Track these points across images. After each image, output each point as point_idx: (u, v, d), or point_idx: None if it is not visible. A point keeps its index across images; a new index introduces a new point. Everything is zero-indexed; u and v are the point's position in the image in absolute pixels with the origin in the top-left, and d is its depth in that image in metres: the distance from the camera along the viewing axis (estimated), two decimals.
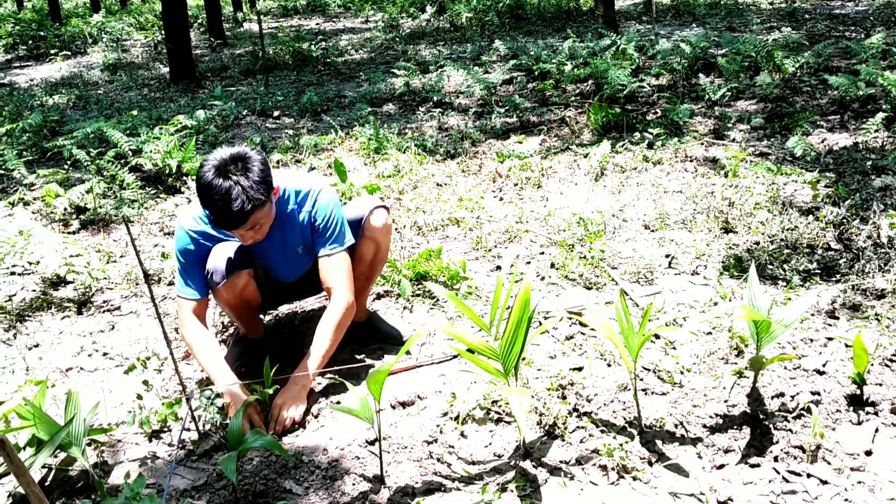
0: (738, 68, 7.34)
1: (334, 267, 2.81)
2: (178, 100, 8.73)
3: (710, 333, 3.07)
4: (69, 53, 13.39)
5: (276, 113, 7.76)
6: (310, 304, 3.62)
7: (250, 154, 2.52)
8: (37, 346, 3.40)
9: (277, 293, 3.13)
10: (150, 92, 9.38)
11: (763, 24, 10.43)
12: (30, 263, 4.12)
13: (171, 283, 3.90)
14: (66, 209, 4.82)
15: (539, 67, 8.27)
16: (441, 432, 2.58)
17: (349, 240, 2.86)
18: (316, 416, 2.71)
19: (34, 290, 3.93)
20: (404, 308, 3.50)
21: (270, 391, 2.63)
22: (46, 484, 2.42)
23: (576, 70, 7.93)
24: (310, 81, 9.44)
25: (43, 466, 2.40)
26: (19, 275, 4.10)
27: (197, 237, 2.76)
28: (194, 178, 2.53)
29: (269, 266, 2.94)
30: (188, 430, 2.66)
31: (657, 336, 3.06)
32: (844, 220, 3.93)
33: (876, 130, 5.26)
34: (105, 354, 3.29)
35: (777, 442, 2.41)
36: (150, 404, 2.79)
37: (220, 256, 2.76)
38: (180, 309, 2.81)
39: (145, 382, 2.83)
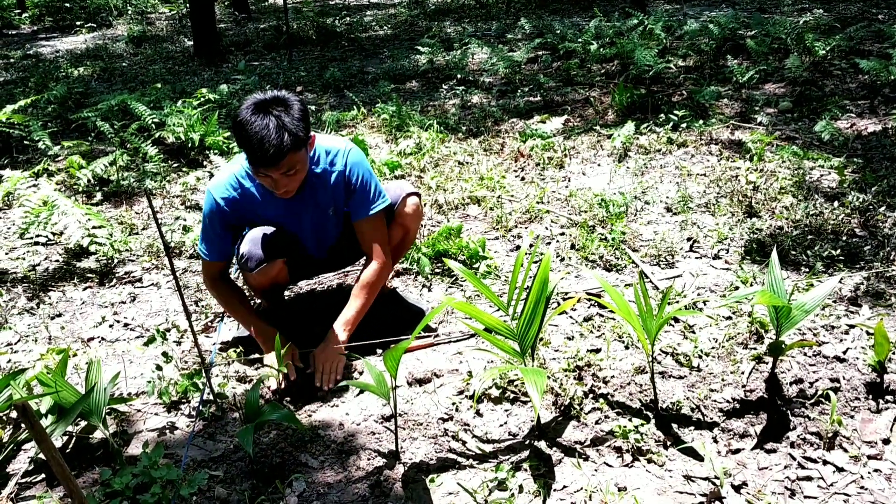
0: (767, 50, 7.22)
1: (373, 229, 2.88)
2: (201, 73, 8.75)
3: (729, 318, 3.05)
4: (94, 25, 13.45)
5: (298, 88, 7.75)
6: (328, 278, 3.63)
7: (289, 96, 2.53)
8: (59, 315, 3.44)
9: (303, 269, 3.15)
10: (174, 65, 9.40)
11: (794, 6, 10.25)
12: (53, 234, 4.17)
13: (191, 256, 3.93)
14: (89, 181, 4.86)
15: (564, 46, 8.19)
16: (457, 410, 2.59)
17: (386, 199, 2.89)
18: (339, 394, 2.73)
19: (57, 261, 3.97)
20: (423, 286, 3.50)
21: (285, 370, 2.66)
22: (67, 451, 2.46)
23: (601, 49, 7.85)
24: (333, 57, 9.41)
25: (64, 434, 2.44)
26: (43, 245, 4.14)
27: (224, 205, 2.74)
28: (232, 122, 2.48)
29: (300, 236, 2.94)
30: (206, 402, 2.69)
31: (676, 319, 3.04)
32: (870, 207, 3.87)
33: None
34: (126, 325, 3.33)
35: (794, 428, 2.39)
36: (170, 375, 2.83)
37: (253, 243, 2.78)
38: (202, 267, 2.91)
39: (165, 354, 2.86)
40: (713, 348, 2.83)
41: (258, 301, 3.30)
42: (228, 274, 2.96)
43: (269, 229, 2.83)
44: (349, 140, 2.93)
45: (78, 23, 13.40)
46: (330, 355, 2.78)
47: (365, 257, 3.00)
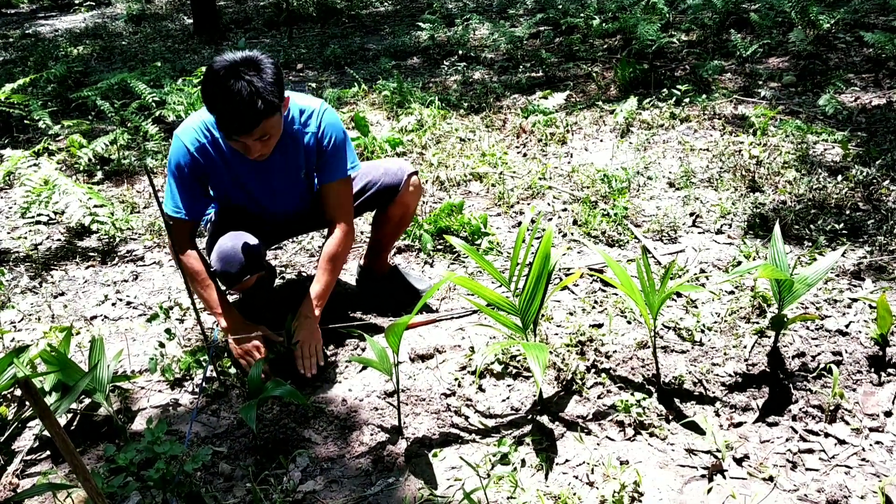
0: (771, 24, 7.15)
1: (339, 194, 2.78)
2: (201, 51, 8.69)
3: (732, 292, 3.04)
4: (93, 4, 13.36)
5: (299, 65, 7.71)
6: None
7: (262, 57, 2.37)
8: (62, 294, 3.45)
9: (271, 235, 3.01)
10: (174, 43, 9.34)
11: None
12: (55, 213, 4.17)
13: None
14: (90, 160, 4.84)
15: (566, 21, 8.13)
16: (459, 386, 2.59)
17: (358, 165, 2.82)
18: (341, 371, 2.74)
19: (59, 240, 3.97)
20: (425, 263, 3.50)
21: (295, 346, 2.67)
22: (72, 428, 2.47)
23: (604, 24, 7.78)
24: (333, 34, 9.35)
25: (68, 411, 2.46)
26: (44, 224, 4.14)
27: (194, 151, 2.58)
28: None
29: (269, 199, 2.80)
30: (210, 378, 2.70)
31: (678, 294, 3.04)
32: (874, 181, 3.85)
33: None
34: (129, 303, 3.34)
35: (796, 401, 2.39)
36: (173, 353, 2.83)
37: (226, 262, 2.60)
38: (171, 228, 2.60)
39: (168, 331, 2.87)
40: (715, 323, 2.83)
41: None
42: (194, 239, 2.75)
43: (238, 241, 2.63)
44: (325, 101, 2.81)
45: (77, 1, 13.31)
46: (306, 336, 2.68)
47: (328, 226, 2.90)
